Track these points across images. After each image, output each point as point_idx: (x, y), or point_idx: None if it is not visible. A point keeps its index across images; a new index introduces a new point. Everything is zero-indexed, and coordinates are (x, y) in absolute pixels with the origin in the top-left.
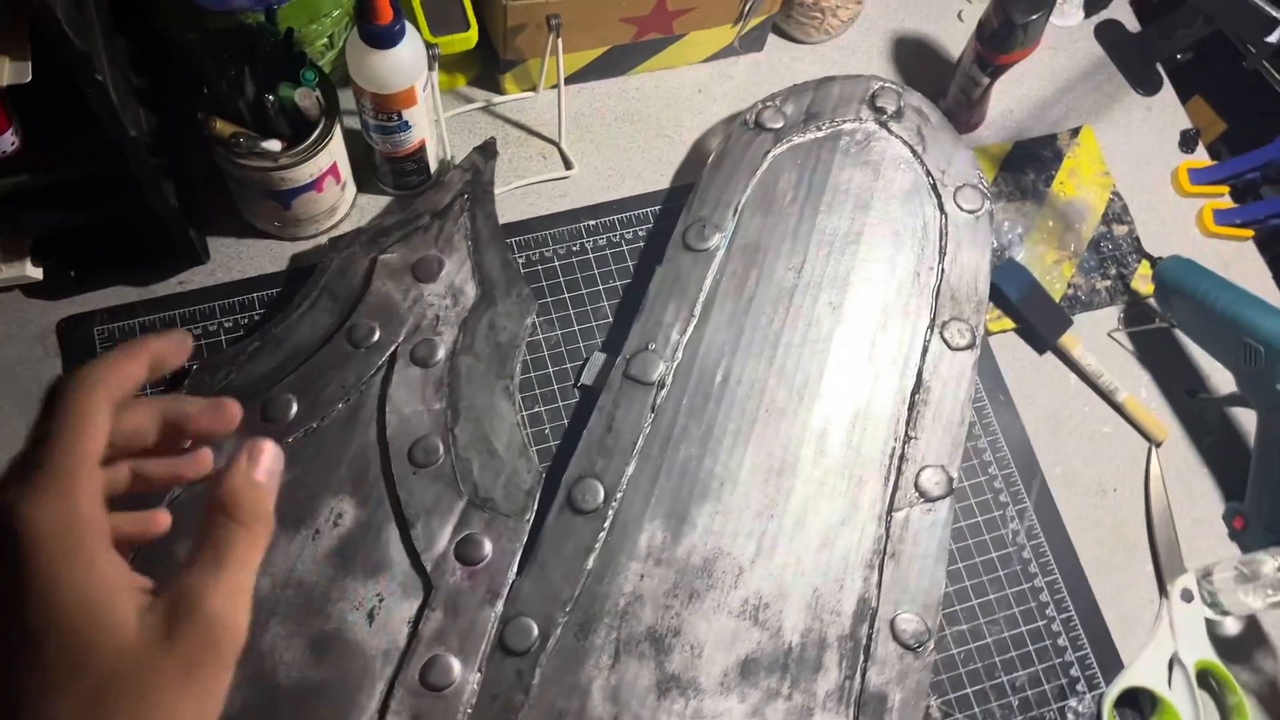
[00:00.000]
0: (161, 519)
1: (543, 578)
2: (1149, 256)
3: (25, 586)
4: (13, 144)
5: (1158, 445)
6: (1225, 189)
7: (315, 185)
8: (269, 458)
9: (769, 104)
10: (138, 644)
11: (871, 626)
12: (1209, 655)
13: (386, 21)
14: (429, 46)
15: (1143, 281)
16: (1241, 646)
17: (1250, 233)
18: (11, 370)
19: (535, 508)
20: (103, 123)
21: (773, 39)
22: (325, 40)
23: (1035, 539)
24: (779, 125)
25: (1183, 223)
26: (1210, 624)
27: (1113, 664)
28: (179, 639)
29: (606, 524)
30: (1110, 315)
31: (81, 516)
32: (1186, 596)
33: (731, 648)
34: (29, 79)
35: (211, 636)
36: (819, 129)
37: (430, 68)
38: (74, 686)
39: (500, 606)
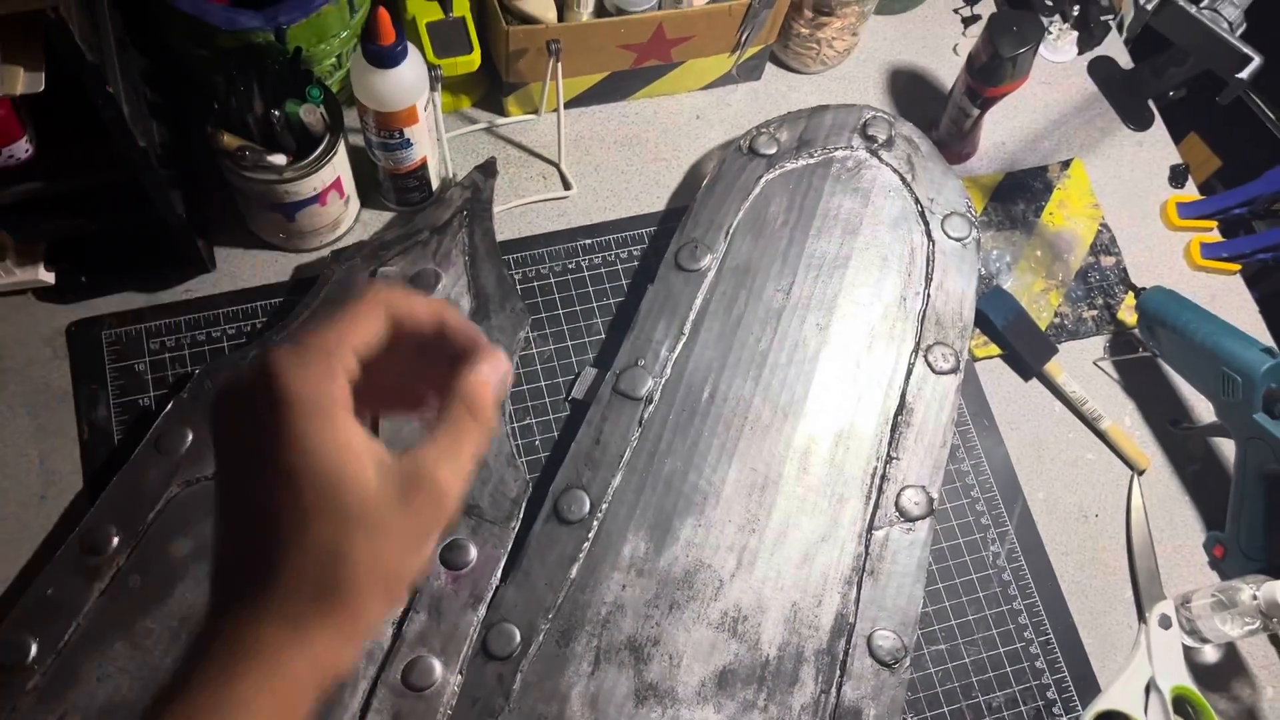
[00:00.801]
0: (422, 401)
1: (526, 585)
2: (1134, 288)
3: (283, 432)
4: (27, 151)
5: (1140, 473)
6: (1213, 224)
7: (319, 199)
8: (507, 370)
9: (763, 130)
10: (377, 495)
11: (849, 642)
12: (1186, 682)
13: (389, 43)
14: (432, 68)
15: (1129, 312)
16: (1219, 674)
17: (1237, 267)
18: (21, 371)
19: (521, 516)
20: (113, 133)
21: (770, 68)
22: (333, 60)
23: (1016, 562)
24: (772, 151)
25: (1170, 256)
26: (1188, 651)
27: (1090, 688)
28: (412, 498)
29: (591, 534)
30: (1096, 344)
31: (332, 385)
32: (1165, 623)
33: (710, 659)
34: (42, 89)
35: (438, 502)
36: (811, 156)
37: (433, 88)
38: (322, 520)
39: (483, 611)
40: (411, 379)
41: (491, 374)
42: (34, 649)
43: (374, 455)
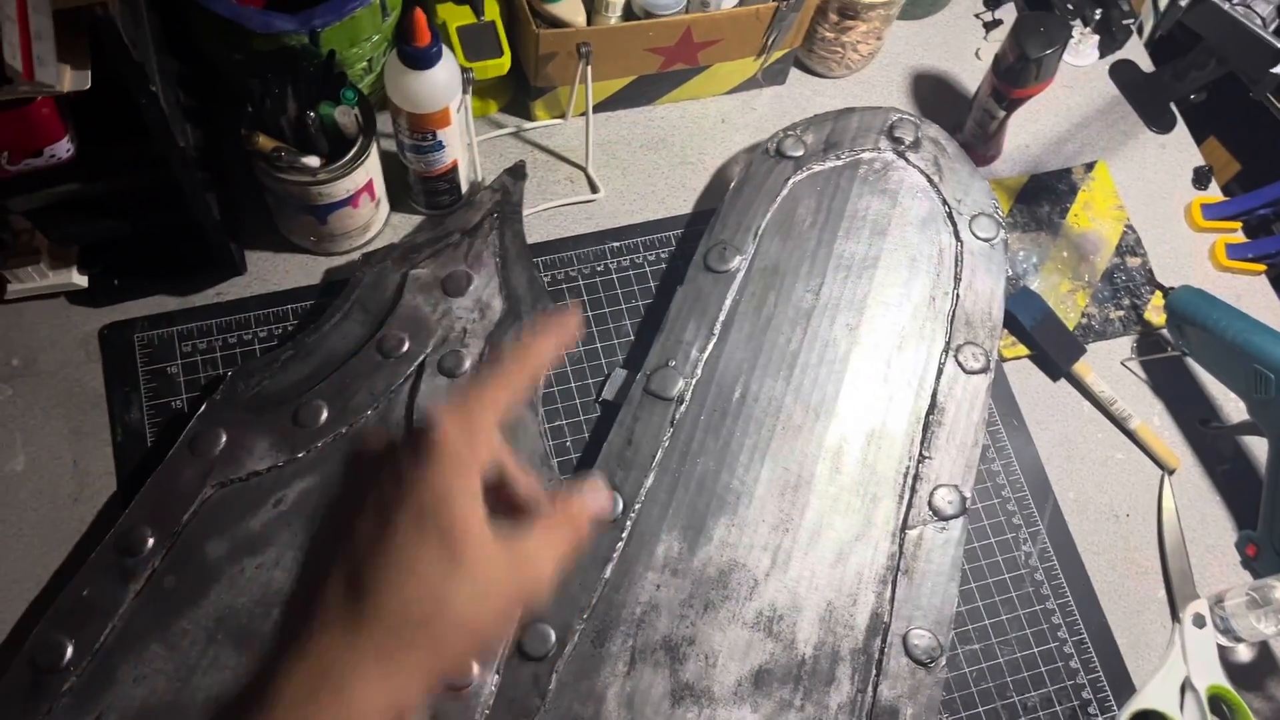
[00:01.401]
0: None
1: (561, 585)
2: (1162, 287)
3: (425, 477)
4: (68, 151)
5: (1170, 473)
6: (1238, 225)
7: (351, 201)
8: (607, 505)
9: (790, 133)
10: (492, 555)
11: (884, 641)
12: (1221, 681)
13: (425, 44)
14: (464, 70)
15: (1155, 312)
16: (1254, 673)
17: (1263, 267)
18: (55, 374)
19: None
20: (154, 133)
21: (795, 73)
22: (364, 64)
23: (1048, 561)
24: (799, 153)
25: (1196, 256)
26: (1222, 650)
27: (1124, 687)
28: (517, 570)
29: (624, 534)
30: (1124, 345)
31: (480, 443)
32: (1199, 622)
33: (745, 658)
34: (88, 86)
35: (536, 578)
36: (838, 158)
37: (465, 90)
38: (441, 557)
39: (519, 610)
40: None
41: (594, 503)
42: (70, 651)
43: (490, 523)
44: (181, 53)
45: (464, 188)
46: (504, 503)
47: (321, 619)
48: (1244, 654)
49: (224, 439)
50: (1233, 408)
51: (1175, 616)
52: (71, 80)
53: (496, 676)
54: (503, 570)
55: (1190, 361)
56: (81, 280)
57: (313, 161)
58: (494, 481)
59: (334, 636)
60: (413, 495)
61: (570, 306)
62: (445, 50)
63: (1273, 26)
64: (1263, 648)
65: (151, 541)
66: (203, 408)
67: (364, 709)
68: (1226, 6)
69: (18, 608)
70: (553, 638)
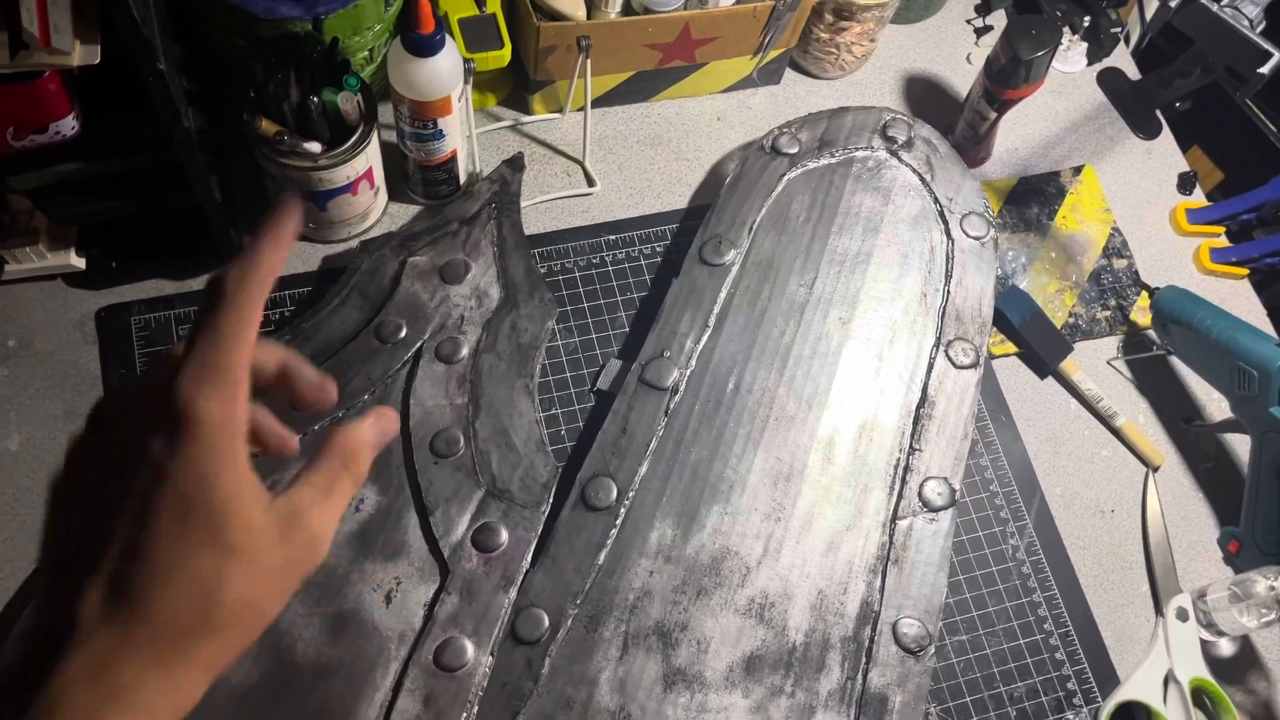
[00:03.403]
0: (292, 445)
1: (555, 570)
2: (1147, 288)
3: (183, 461)
4: (73, 129)
5: (1155, 470)
6: (1221, 229)
7: (351, 188)
8: (391, 427)
9: (785, 130)
10: (260, 532)
11: (874, 629)
12: (1204, 674)
13: (429, 31)
14: (465, 61)
15: (1141, 313)
16: (1236, 667)
17: (1245, 271)
18: (50, 355)
19: (551, 501)
20: (160, 112)
21: (790, 73)
22: (366, 53)
23: (1035, 555)
24: (794, 151)
25: (1180, 259)
26: (1205, 644)
27: (1109, 679)
28: (289, 539)
29: (619, 521)
30: (1110, 344)
31: (238, 413)
32: (1182, 616)
33: (737, 644)
34: (98, 61)
35: (311, 545)
36: (832, 155)
37: (466, 80)
38: (210, 546)
39: (514, 593)
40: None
41: (371, 430)
42: None
43: (259, 491)
44: (184, 38)
45: (462, 178)
46: (292, 400)
47: (86, 629)
48: (1226, 647)
49: None
50: (1216, 407)
51: (1159, 610)
52: (81, 55)
53: (490, 659)
54: (277, 544)
55: (1175, 361)
56: (79, 262)
57: (314, 147)
58: (274, 380)
59: (106, 642)
60: (171, 485)
61: (292, 198)
62: (448, 39)
63: (1260, 28)
64: (1244, 641)
65: None
66: None
67: (150, 714)
68: (1215, 8)
69: (9, 587)
70: (546, 622)
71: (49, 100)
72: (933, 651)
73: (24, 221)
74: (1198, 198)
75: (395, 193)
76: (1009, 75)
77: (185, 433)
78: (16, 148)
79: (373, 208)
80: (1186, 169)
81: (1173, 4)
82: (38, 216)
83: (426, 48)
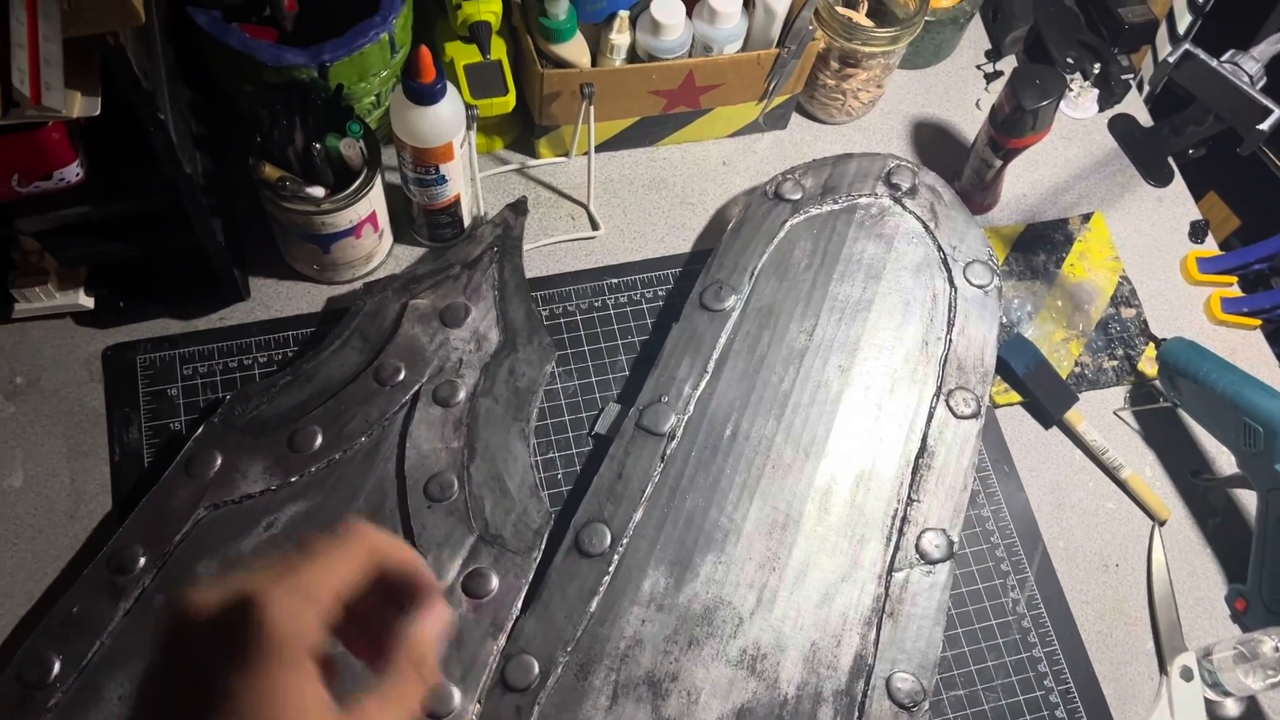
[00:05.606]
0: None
1: (546, 617)
2: (1154, 338)
3: (249, 668)
4: (78, 175)
5: (1161, 524)
6: (1233, 279)
7: (354, 231)
8: (450, 621)
9: (789, 176)
10: None
11: (867, 683)
12: None
13: (429, 80)
14: (468, 107)
15: (1149, 363)
16: None
17: (1257, 322)
18: (57, 392)
19: (543, 547)
20: (162, 159)
21: (796, 118)
22: (372, 99)
23: (1035, 609)
24: (797, 197)
25: (1191, 309)
26: (1209, 704)
27: None
28: None
29: (611, 568)
30: (1117, 395)
31: (306, 629)
32: (1186, 675)
33: (728, 696)
34: (98, 113)
35: None
36: (835, 202)
37: (469, 127)
38: None
39: (503, 640)
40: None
41: (434, 627)
42: (57, 666)
43: (322, 708)
44: (193, 81)
45: (466, 221)
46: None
47: None
48: (1231, 708)
49: (219, 461)
50: (1225, 460)
51: (1163, 668)
52: (82, 106)
53: (478, 706)
54: None
55: (1182, 413)
56: (88, 302)
57: (317, 192)
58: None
59: None
60: (233, 687)
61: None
62: (450, 87)
63: (1260, 84)
64: (1250, 702)
65: (143, 560)
66: (200, 430)
67: None
68: (1214, 64)
69: (8, 623)
70: (536, 669)
71: (53, 149)
72: (927, 707)
73: (34, 262)
74: (1210, 246)
75: (400, 235)
76: (1014, 124)
77: (250, 644)
78: (22, 194)
79: (377, 250)
80: (1199, 217)
81: (1171, 59)
82: (48, 257)
83: (428, 96)
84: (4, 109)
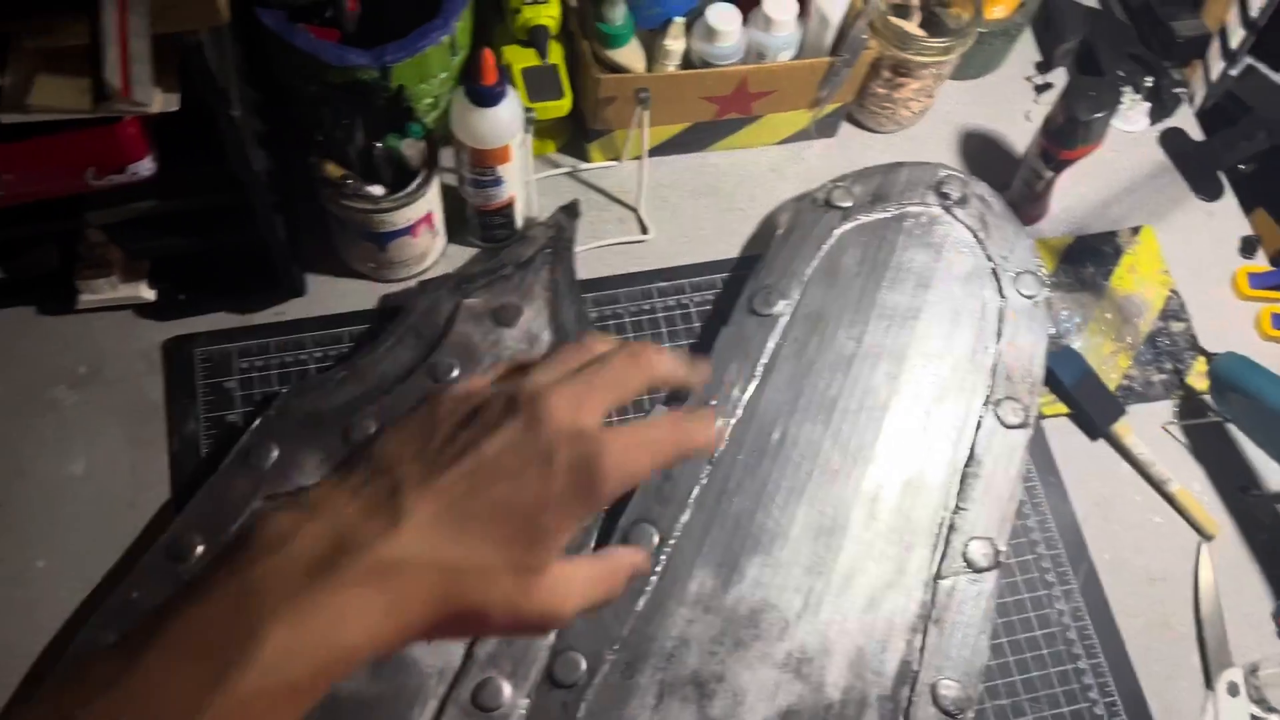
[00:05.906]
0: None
1: (594, 615)
2: (1205, 353)
3: (534, 477)
4: (150, 170)
5: (1209, 539)
6: None
7: (411, 230)
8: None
9: (839, 184)
10: (551, 565)
11: (912, 690)
12: None
13: (491, 83)
14: (526, 110)
15: (1198, 378)
16: None
17: None
18: (118, 383)
19: (593, 545)
20: (231, 156)
21: (845, 126)
22: (432, 100)
23: (1080, 621)
24: (848, 204)
25: (1241, 325)
26: None
27: None
28: (558, 582)
29: (658, 568)
30: (1165, 408)
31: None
32: (1233, 691)
33: (774, 698)
34: (177, 108)
35: (562, 605)
36: (885, 210)
37: (526, 130)
38: (514, 540)
39: (552, 636)
40: None
41: (638, 563)
42: None
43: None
44: (257, 81)
45: (519, 223)
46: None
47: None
48: None
49: (276, 453)
50: (1274, 476)
51: (1209, 684)
52: (162, 102)
53: (526, 701)
54: (543, 592)
55: (1231, 428)
56: (150, 294)
57: (377, 191)
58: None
59: (376, 511)
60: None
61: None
62: (509, 90)
63: None
64: None
65: (201, 548)
66: (257, 422)
67: (360, 609)
68: (1276, 77)
69: (68, 608)
70: (583, 666)
71: (128, 143)
72: (972, 715)
73: (99, 254)
74: (1260, 261)
75: (454, 235)
76: (1066, 135)
77: (538, 438)
78: (95, 186)
79: (431, 249)
80: (1250, 232)
81: (1234, 72)
82: (112, 249)
83: (489, 99)
84: (96, 101)
